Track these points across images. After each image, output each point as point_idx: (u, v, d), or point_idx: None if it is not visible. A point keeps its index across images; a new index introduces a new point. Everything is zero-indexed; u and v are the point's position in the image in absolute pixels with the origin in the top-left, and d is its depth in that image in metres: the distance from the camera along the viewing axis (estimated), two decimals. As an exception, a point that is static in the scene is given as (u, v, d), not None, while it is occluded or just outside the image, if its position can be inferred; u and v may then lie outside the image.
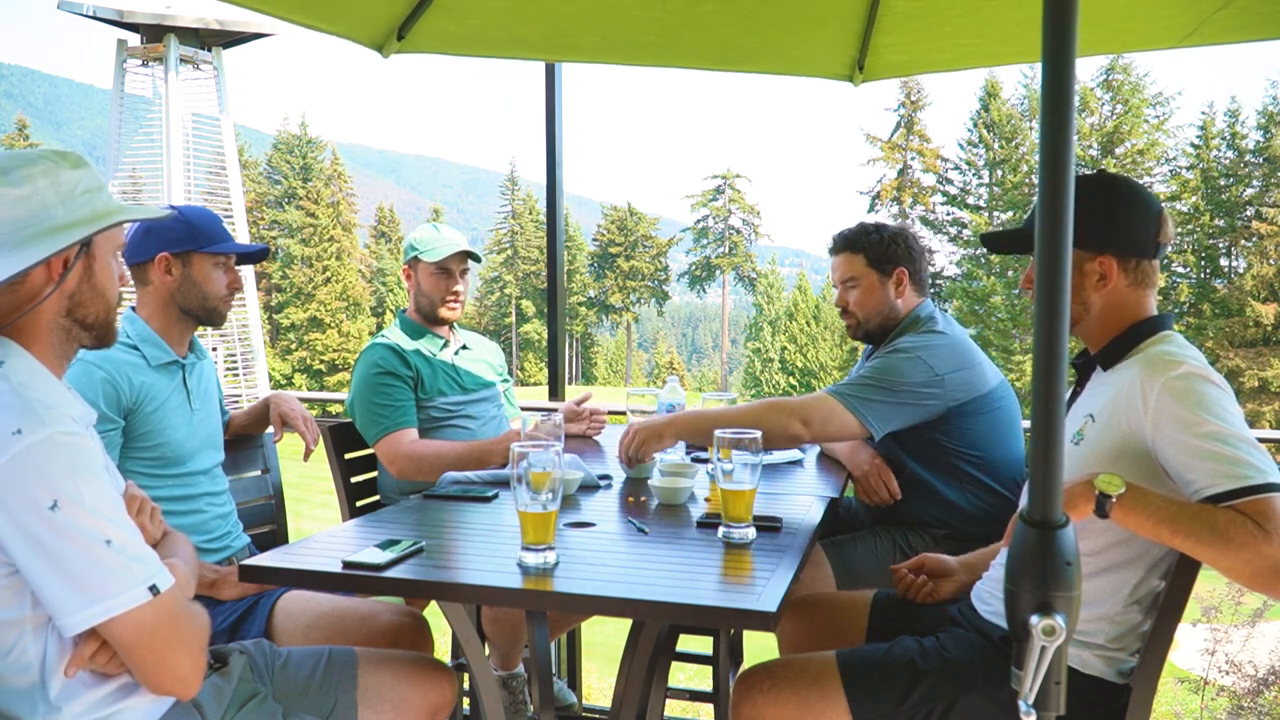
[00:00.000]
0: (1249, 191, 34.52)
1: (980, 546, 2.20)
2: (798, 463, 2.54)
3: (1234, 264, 35.63)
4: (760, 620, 1.34)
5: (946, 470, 2.34)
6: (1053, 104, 0.96)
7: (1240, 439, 1.40)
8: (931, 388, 2.24)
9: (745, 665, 2.92)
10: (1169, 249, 1.73)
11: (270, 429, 2.51)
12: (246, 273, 14.05)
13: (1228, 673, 9.03)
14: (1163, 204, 1.66)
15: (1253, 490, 1.35)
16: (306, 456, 2.39)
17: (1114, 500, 1.36)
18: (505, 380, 2.95)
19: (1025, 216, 1.75)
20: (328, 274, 44.75)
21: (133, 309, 2.16)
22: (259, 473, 2.57)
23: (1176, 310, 34.10)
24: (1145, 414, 1.48)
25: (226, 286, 2.19)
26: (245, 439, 2.53)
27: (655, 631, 1.76)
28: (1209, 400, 1.44)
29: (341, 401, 2.79)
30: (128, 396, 2.01)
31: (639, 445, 2.20)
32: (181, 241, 2.11)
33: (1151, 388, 1.48)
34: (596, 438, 2.88)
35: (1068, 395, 1.71)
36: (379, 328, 45.37)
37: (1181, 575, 1.50)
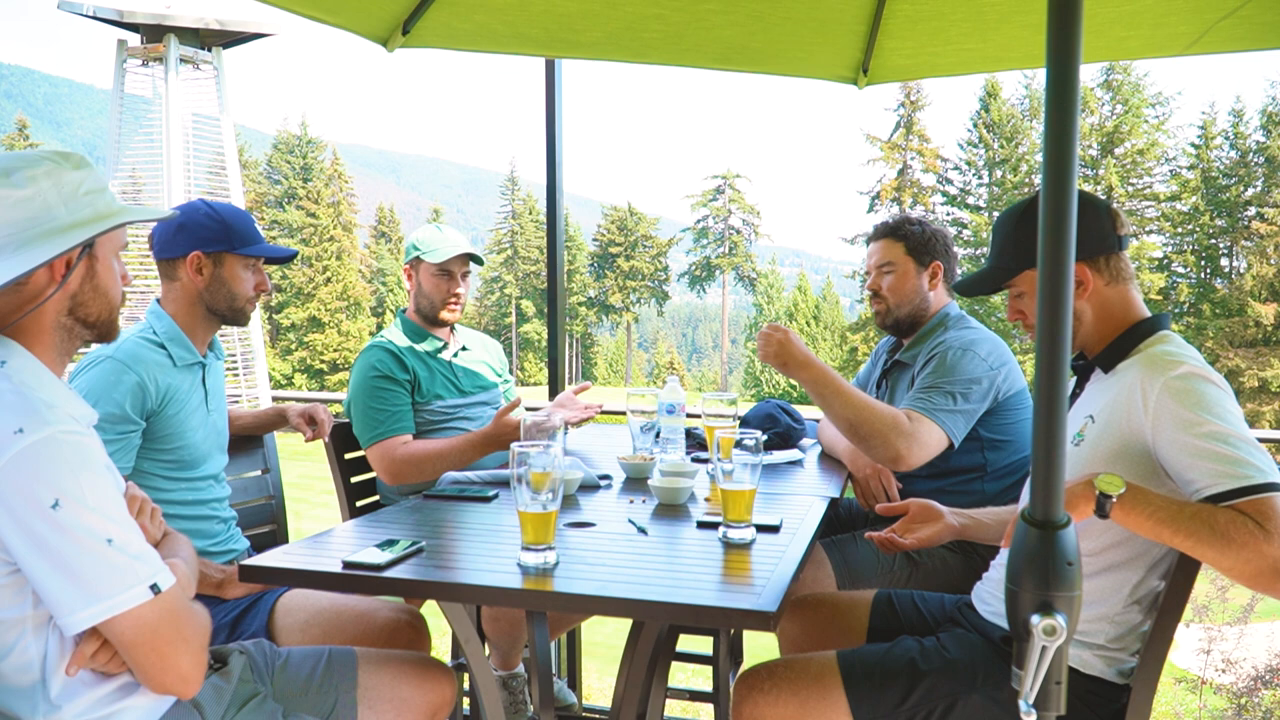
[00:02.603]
0: (1249, 192, 34.52)
1: (982, 546, 2.20)
2: (798, 463, 2.54)
3: (1234, 264, 35.65)
4: (760, 620, 1.34)
5: (960, 466, 2.34)
6: (1057, 108, 0.97)
7: (1240, 439, 1.41)
8: (984, 383, 2.28)
9: (745, 665, 2.92)
10: (1132, 239, 1.75)
11: (270, 431, 2.53)
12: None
13: (1224, 671, 9.04)
14: (1111, 200, 1.68)
15: (1253, 490, 1.35)
16: (320, 437, 2.45)
17: (1114, 500, 1.36)
18: (506, 381, 2.95)
19: (987, 256, 1.78)
20: (328, 274, 44.75)
21: (158, 302, 2.13)
22: (259, 473, 2.57)
23: (1176, 310, 34.12)
24: (1145, 414, 1.48)
25: (254, 288, 2.17)
26: (245, 439, 2.53)
27: (655, 631, 1.76)
28: (1209, 400, 1.44)
29: (342, 401, 2.78)
30: (154, 398, 1.99)
31: (773, 346, 2.26)
32: (216, 241, 2.09)
33: (1151, 388, 1.48)
34: (598, 439, 2.88)
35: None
36: (379, 328, 45.38)
37: (1181, 575, 1.51)
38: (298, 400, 2.54)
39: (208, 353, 2.18)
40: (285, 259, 2.25)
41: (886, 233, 2.55)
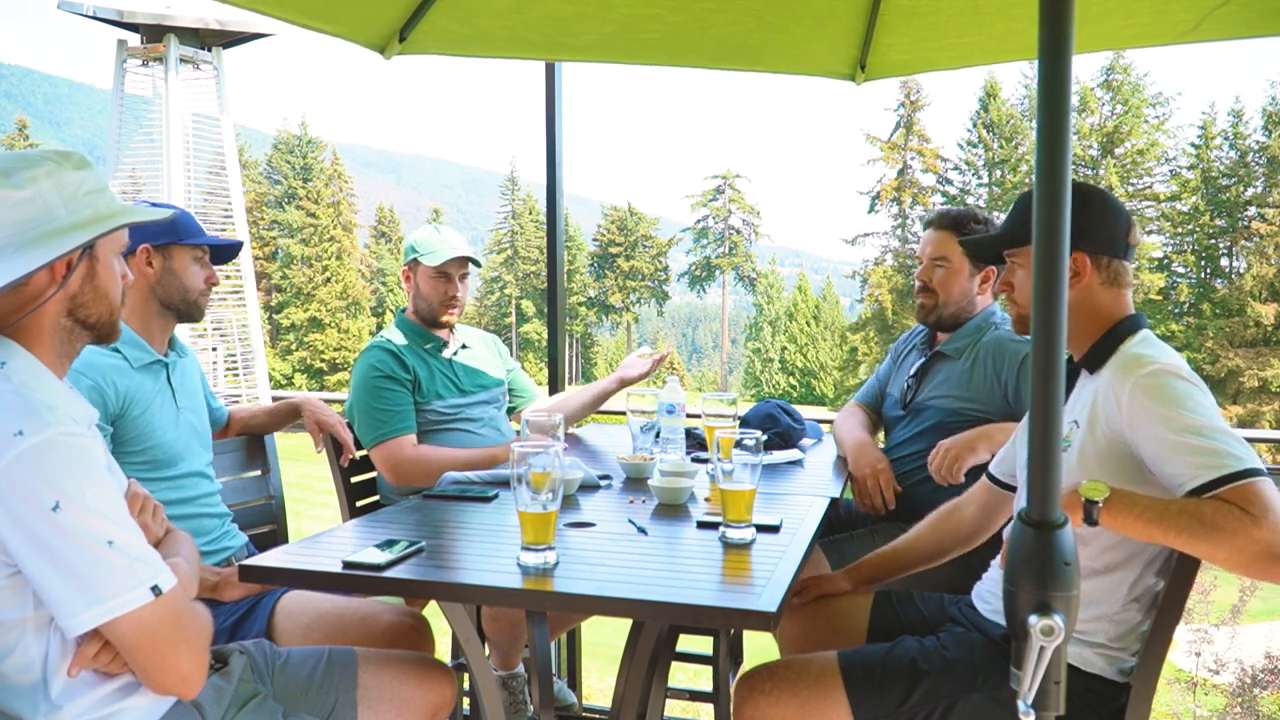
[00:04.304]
0: (1250, 192, 34.51)
1: (982, 545, 2.19)
2: (798, 463, 2.55)
3: (1234, 264, 35.64)
4: (760, 620, 1.34)
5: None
6: (1049, 102, 0.97)
7: (1216, 430, 1.42)
8: None
9: (745, 665, 2.92)
10: (1136, 254, 1.74)
11: (286, 424, 2.53)
12: (247, 273, 14.04)
13: (1217, 671, 9.05)
14: (1136, 209, 1.69)
15: (1234, 477, 1.36)
16: (346, 460, 2.47)
17: (1100, 505, 1.37)
18: (510, 370, 2.95)
19: (1003, 220, 1.78)
20: (328, 274, 44.70)
21: None
22: (259, 473, 2.57)
23: (1176, 310, 34.12)
24: (1121, 415, 1.50)
25: (205, 281, 2.19)
26: (245, 438, 2.53)
27: (655, 631, 1.76)
28: (1179, 395, 1.46)
29: (342, 401, 2.78)
30: (114, 402, 1.98)
31: (952, 463, 2.18)
32: (162, 234, 2.10)
33: (1123, 389, 1.50)
34: (598, 439, 2.88)
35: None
36: (379, 328, 45.33)
37: (1180, 574, 1.51)
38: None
39: (169, 351, 2.18)
40: (232, 248, 2.27)
41: (948, 225, 2.49)
